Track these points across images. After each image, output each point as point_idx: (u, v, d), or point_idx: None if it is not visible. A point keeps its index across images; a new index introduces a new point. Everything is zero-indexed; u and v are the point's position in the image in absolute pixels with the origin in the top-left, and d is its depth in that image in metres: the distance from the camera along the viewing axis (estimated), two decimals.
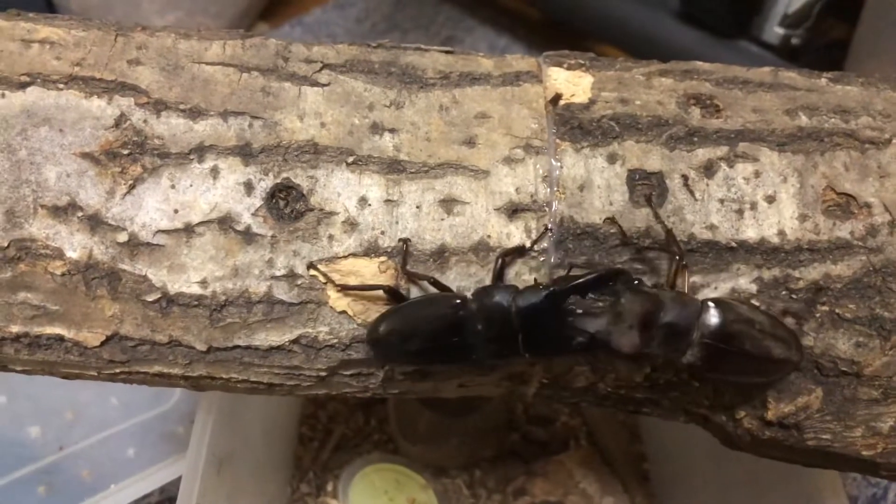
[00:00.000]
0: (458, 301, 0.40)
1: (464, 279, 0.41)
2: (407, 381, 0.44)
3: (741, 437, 0.44)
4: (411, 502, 0.73)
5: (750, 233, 0.42)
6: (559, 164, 0.42)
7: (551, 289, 0.38)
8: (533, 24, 1.29)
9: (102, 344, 0.41)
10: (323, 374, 0.43)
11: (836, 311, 0.41)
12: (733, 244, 0.42)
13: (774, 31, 1.07)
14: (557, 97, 0.44)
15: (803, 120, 0.44)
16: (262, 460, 0.72)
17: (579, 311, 0.38)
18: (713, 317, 0.39)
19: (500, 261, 0.41)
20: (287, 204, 0.41)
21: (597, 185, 0.42)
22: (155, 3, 1.15)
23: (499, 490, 0.75)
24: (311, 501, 0.75)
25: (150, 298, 0.40)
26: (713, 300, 0.40)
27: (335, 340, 0.41)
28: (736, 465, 0.66)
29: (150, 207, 0.40)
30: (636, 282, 0.40)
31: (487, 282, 0.41)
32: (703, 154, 0.43)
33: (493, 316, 0.39)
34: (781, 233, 0.42)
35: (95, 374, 0.43)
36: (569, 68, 0.46)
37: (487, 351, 0.40)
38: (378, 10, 1.33)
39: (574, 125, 0.43)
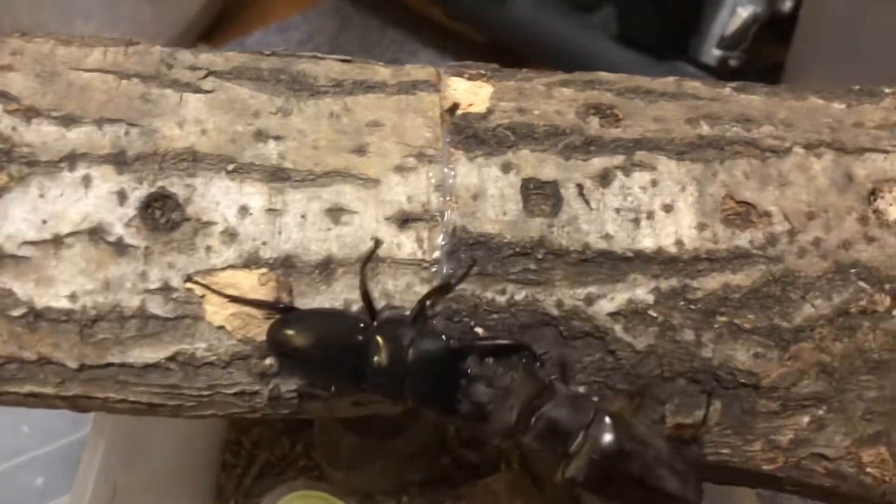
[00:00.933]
0: (362, 325, 0.39)
1: (351, 291, 0.40)
2: (295, 399, 0.42)
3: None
4: None
5: (647, 242, 0.41)
6: (453, 173, 0.41)
7: (450, 342, 0.38)
8: (478, 47, 1.29)
9: None
10: (204, 393, 0.41)
11: (735, 321, 0.40)
12: (629, 254, 0.41)
13: (712, 52, 1.07)
14: (454, 107, 0.43)
15: (704, 129, 0.44)
16: (176, 489, 0.70)
17: (472, 373, 0.37)
18: (605, 430, 0.37)
19: (423, 303, 0.39)
20: (163, 214, 0.39)
21: (490, 194, 0.41)
22: (90, 24, 1.13)
23: None
24: None
25: (15, 313, 0.38)
26: (611, 413, 0.38)
27: (214, 357, 0.39)
28: None
29: (17, 218, 0.38)
30: (538, 364, 0.38)
31: (376, 295, 0.40)
32: (599, 163, 0.42)
33: (387, 352, 0.38)
34: (679, 242, 0.41)
35: None
36: (469, 78, 0.45)
37: (375, 384, 0.39)
38: (321, 33, 1.32)
39: (469, 134, 0.42)
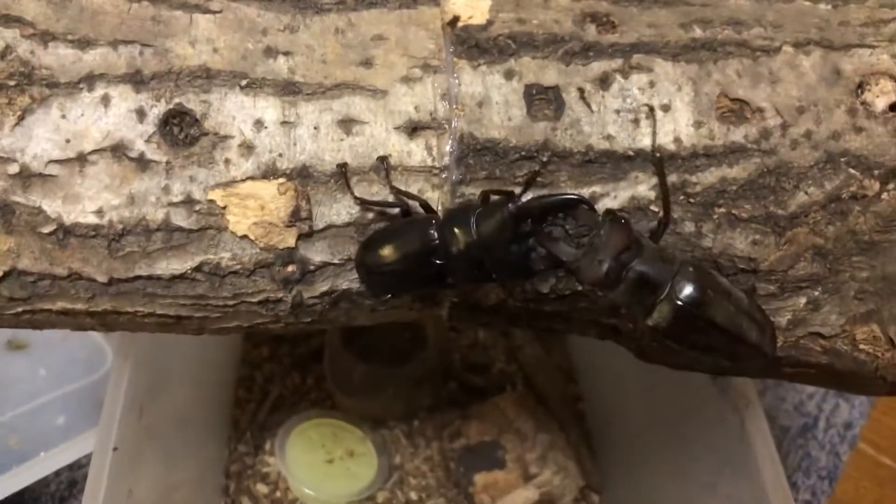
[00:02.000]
0: (433, 222, 0.40)
1: (366, 197, 0.41)
2: (318, 306, 0.44)
3: (649, 344, 0.45)
4: (349, 454, 0.73)
5: (646, 141, 0.43)
6: (457, 81, 0.43)
7: (509, 206, 0.39)
8: None
9: (0, 280, 0.40)
10: (230, 302, 0.42)
11: (733, 211, 0.42)
12: (630, 153, 0.43)
13: None
14: (455, 19, 0.44)
15: (697, 32, 0.45)
16: (195, 421, 0.72)
17: (552, 236, 0.38)
18: (690, 278, 0.38)
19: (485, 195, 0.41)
20: (181, 129, 0.41)
21: (495, 101, 0.42)
22: None
23: (437, 437, 0.76)
24: (249, 461, 0.75)
25: (45, 230, 0.40)
26: (695, 265, 0.38)
27: (238, 266, 0.41)
28: (663, 397, 0.68)
29: (41, 138, 0.39)
30: (622, 220, 0.39)
31: (391, 201, 0.42)
32: (598, 67, 0.43)
33: (459, 239, 0.39)
34: (677, 140, 0.43)
35: None
36: None
37: (458, 275, 0.40)
38: None
39: (471, 44, 0.43)
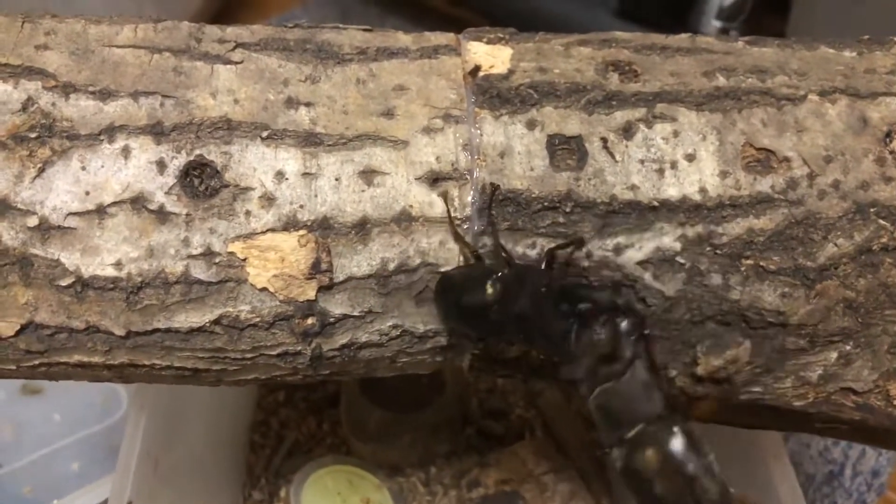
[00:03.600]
0: (498, 274, 0.40)
1: (387, 250, 0.41)
2: (337, 359, 0.43)
3: (676, 396, 0.44)
4: (365, 502, 0.72)
5: (671, 191, 0.42)
6: (479, 131, 0.42)
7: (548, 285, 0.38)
8: None
9: (18, 333, 0.40)
10: (248, 355, 0.42)
11: (761, 263, 0.41)
12: (655, 203, 0.42)
13: (712, 24, 1.08)
14: (476, 68, 0.44)
15: (720, 80, 0.45)
16: (210, 469, 0.71)
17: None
18: (669, 436, 0.33)
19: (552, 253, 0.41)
20: (201, 181, 0.40)
21: (517, 151, 0.42)
22: None
23: (455, 486, 0.75)
24: None
25: (64, 283, 0.39)
26: (679, 419, 0.34)
27: (258, 319, 0.41)
28: None
29: (61, 190, 0.39)
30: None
31: (411, 253, 0.41)
32: (621, 116, 0.43)
33: (524, 296, 0.38)
34: (703, 190, 0.42)
35: (14, 367, 0.42)
36: (488, 42, 0.46)
37: (512, 329, 0.39)
38: (323, 23, 1.33)
39: (493, 94, 0.43)
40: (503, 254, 0.41)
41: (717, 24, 1.08)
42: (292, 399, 0.81)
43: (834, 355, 0.41)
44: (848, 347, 0.41)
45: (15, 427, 0.72)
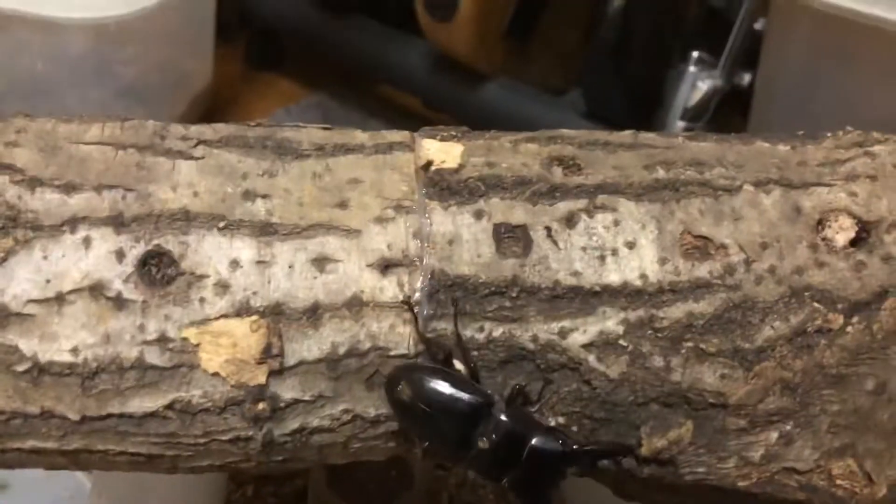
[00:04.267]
0: (483, 403, 0.41)
1: (338, 335, 0.42)
2: (289, 444, 0.44)
3: (624, 480, 0.44)
4: None
5: (613, 277, 0.44)
6: (429, 221, 0.44)
7: (573, 447, 0.40)
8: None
9: None
10: (201, 440, 0.42)
11: (701, 346, 0.43)
12: (597, 288, 0.43)
13: (676, 124, 1.13)
14: (428, 163, 0.46)
15: (660, 173, 0.47)
16: None
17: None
18: None
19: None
20: (159, 270, 0.42)
21: (465, 239, 0.44)
22: None
23: None
24: None
25: (20, 368, 0.40)
26: None
27: (210, 404, 0.41)
28: None
29: (22, 279, 0.41)
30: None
31: (362, 337, 0.42)
32: (564, 207, 0.45)
33: (506, 444, 0.41)
34: (643, 276, 0.44)
35: None
36: (442, 139, 0.48)
37: (479, 461, 0.41)
38: None
39: (443, 186, 0.45)
40: (468, 365, 0.42)
41: (681, 124, 1.12)
42: (261, 494, 0.81)
43: (775, 435, 0.42)
44: (788, 427, 0.42)
45: None
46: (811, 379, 0.42)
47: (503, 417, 0.41)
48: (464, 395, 0.41)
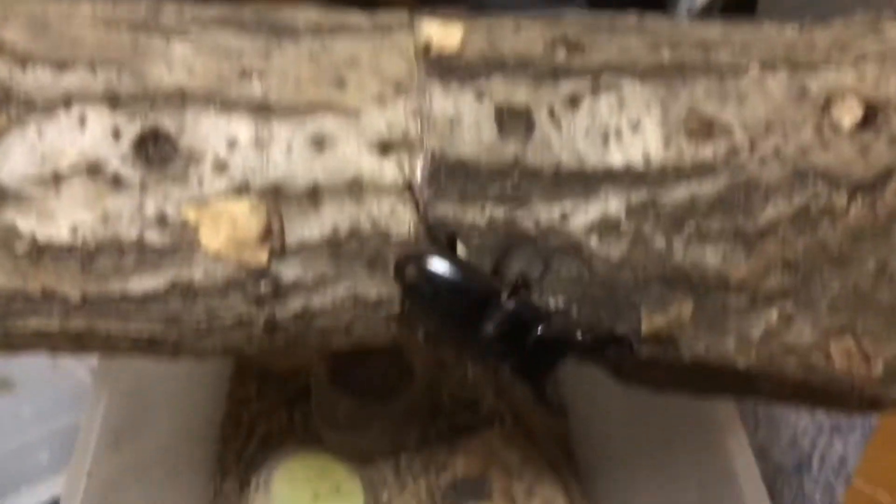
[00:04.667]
0: (494, 293, 0.41)
1: (338, 216, 0.42)
2: (292, 326, 0.44)
3: (622, 362, 0.45)
4: (335, 490, 0.72)
5: (616, 159, 0.43)
6: (429, 102, 0.43)
7: (577, 334, 0.41)
8: None
9: None
10: (203, 321, 0.43)
11: (703, 227, 0.43)
12: (600, 171, 0.43)
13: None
14: (429, 44, 0.45)
15: (666, 55, 0.46)
16: (179, 460, 0.71)
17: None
18: None
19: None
20: (156, 149, 0.41)
21: (466, 120, 0.43)
22: None
23: (424, 474, 0.75)
24: (234, 498, 0.74)
25: (19, 248, 0.40)
26: None
27: (211, 284, 0.41)
28: (651, 432, 0.67)
29: (17, 157, 0.40)
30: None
31: (362, 219, 0.42)
32: (567, 88, 0.44)
33: (511, 327, 0.41)
34: (647, 158, 0.43)
35: None
36: (441, 20, 0.47)
37: (487, 348, 0.41)
38: None
39: (444, 66, 0.44)
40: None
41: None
42: (264, 392, 0.82)
43: (775, 314, 0.42)
44: (788, 307, 0.42)
45: None
46: (813, 258, 0.42)
47: (510, 305, 0.41)
48: (471, 283, 0.42)
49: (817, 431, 0.87)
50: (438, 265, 0.41)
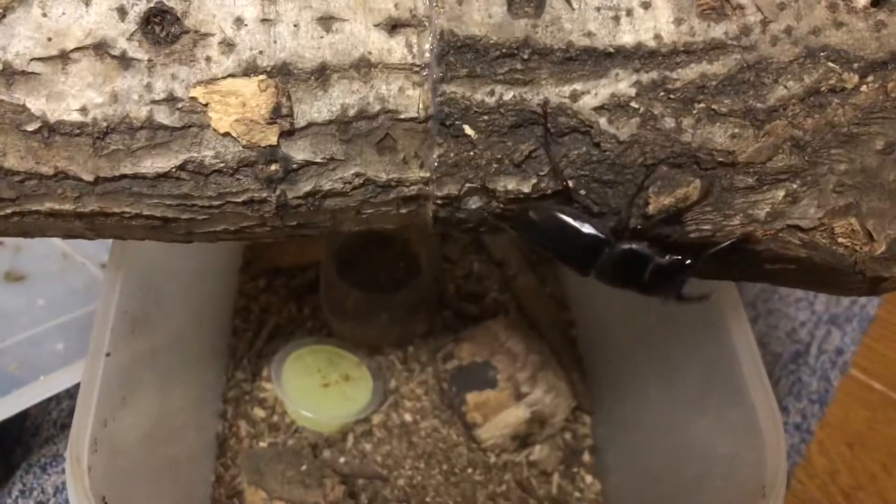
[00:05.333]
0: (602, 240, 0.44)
1: (347, 96, 0.42)
2: (302, 208, 0.44)
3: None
4: (345, 379, 0.74)
5: (627, 38, 0.43)
6: None
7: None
8: None
9: None
10: (215, 202, 0.43)
11: (713, 106, 0.42)
12: (611, 50, 0.43)
13: None
14: None
15: None
16: (192, 349, 0.73)
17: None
18: None
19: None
20: (162, 28, 0.41)
21: None
22: None
23: (432, 362, 0.77)
24: (246, 387, 0.76)
25: (30, 128, 0.40)
26: None
27: (222, 164, 0.42)
28: (652, 321, 0.68)
29: (23, 36, 0.40)
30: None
31: (371, 99, 0.42)
32: None
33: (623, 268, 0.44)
34: (658, 37, 0.43)
35: None
36: None
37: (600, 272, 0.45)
38: None
39: None
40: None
41: None
42: (273, 286, 0.83)
43: (781, 193, 0.43)
44: (795, 186, 0.43)
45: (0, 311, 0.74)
46: (821, 138, 0.42)
47: (617, 251, 0.44)
48: (585, 234, 0.44)
49: (816, 323, 0.89)
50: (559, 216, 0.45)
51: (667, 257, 0.43)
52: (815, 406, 0.83)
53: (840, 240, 0.44)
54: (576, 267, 0.46)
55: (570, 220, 0.44)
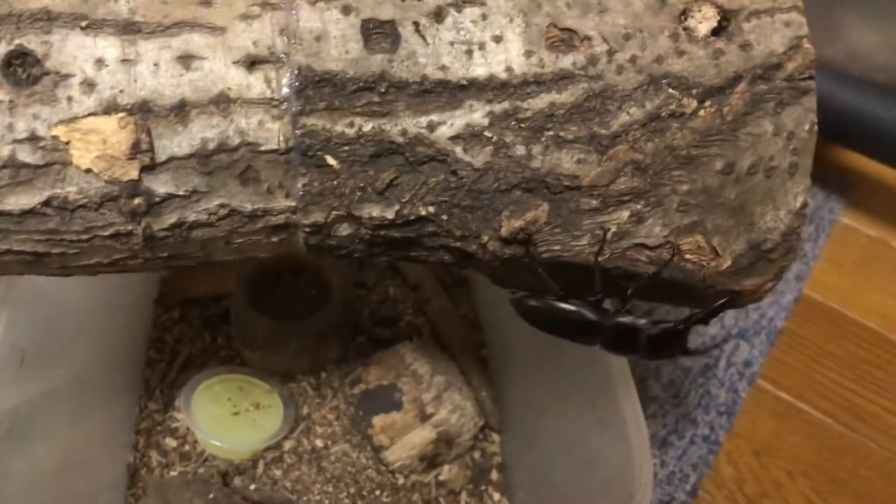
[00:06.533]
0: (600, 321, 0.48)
1: (207, 131, 0.43)
2: (171, 239, 0.46)
3: (490, 262, 0.47)
4: (255, 406, 0.75)
5: (480, 71, 0.45)
6: (296, 17, 0.44)
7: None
8: None
9: None
10: (83, 237, 0.44)
11: (560, 134, 0.45)
12: (464, 82, 0.45)
13: None
14: None
15: None
16: (103, 384, 0.73)
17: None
18: None
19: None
20: (23, 70, 0.42)
21: (333, 35, 0.44)
22: None
23: (342, 388, 0.78)
24: (158, 417, 0.77)
25: None
26: None
27: (86, 199, 0.43)
28: (554, 342, 0.70)
29: None
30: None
31: (231, 133, 0.43)
32: (432, 2, 0.45)
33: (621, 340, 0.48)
34: (509, 69, 0.45)
35: None
36: None
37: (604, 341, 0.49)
38: None
39: None
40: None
41: None
42: (187, 316, 0.84)
43: (626, 214, 0.45)
44: (639, 206, 0.45)
45: None
46: (662, 160, 0.45)
47: (610, 325, 0.48)
48: (582, 312, 0.49)
49: (724, 337, 0.91)
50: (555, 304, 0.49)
51: (657, 327, 0.47)
52: (722, 418, 0.86)
53: (687, 256, 0.46)
54: (583, 342, 0.50)
55: (564, 305, 0.49)
